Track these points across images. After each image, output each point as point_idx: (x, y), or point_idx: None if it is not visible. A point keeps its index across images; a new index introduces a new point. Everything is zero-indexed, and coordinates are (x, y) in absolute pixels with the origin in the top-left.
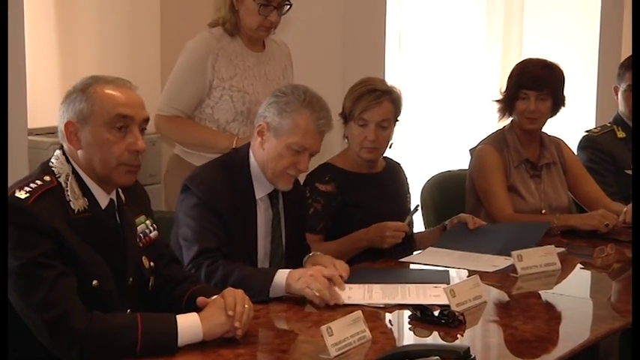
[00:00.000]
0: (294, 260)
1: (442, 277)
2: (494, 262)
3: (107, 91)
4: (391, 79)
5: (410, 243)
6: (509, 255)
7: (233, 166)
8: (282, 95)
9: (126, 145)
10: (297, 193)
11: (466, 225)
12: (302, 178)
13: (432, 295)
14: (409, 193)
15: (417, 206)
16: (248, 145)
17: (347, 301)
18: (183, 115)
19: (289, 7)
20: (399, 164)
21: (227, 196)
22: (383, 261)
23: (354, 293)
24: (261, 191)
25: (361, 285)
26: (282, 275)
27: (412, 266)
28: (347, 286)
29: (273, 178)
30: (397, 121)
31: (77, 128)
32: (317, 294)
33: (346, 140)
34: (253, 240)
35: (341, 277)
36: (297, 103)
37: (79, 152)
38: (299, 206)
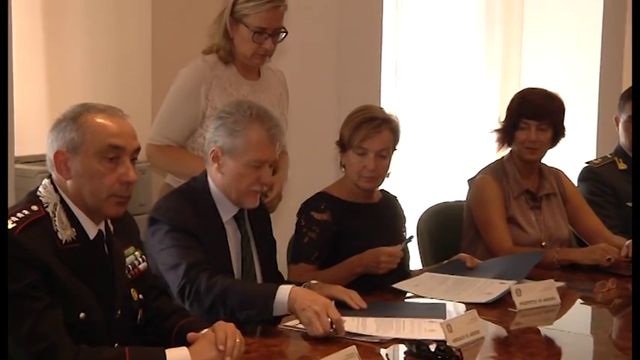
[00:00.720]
0: (271, 281)
1: (438, 312)
2: (489, 290)
3: (99, 120)
4: (387, 106)
5: (405, 269)
6: (504, 280)
7: (194, 193)
8: (227, 116)
9: (117, 176)
10: (261, 211)
11: (464, 263)
12: (295, 206)
13: (427, 330)
14: (405, 226)
15: (412, 237)
16: (205, 173)
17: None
18: (175, 145)
19: (285, 35)
20: (395, 197)
21: (194, 222)
22: (378, 294)
23: (347, 325)
24: (226, 214)
25: (355, 318)
26: (284, 293)
27: (408, 300)
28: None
29: (238, 198)
30: (395, 150)
31: (67, 158)
32: (315, 333)
33: (343, 169)
34: (228, 264)
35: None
36: (245, 120)
37: (68, 182)
38: (265, 224)
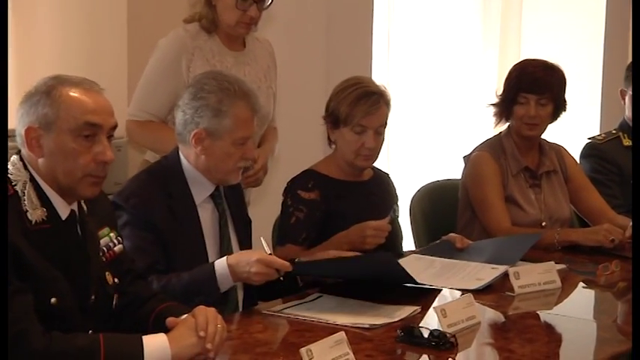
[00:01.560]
0: None
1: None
2: (479, 275)
3: (74, 94)
4: (379, 79)
5: (396, 250)
6: (496, 265)
7: (165, 173)
8: (209, 96)
9: (93, 156)
10: (235, 189)
11: (453, 244)
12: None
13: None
14: (398, 205)
15: (396, 208)
16: (176, 150)
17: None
18: (157, 120)
19: (271, 1)
20: (387, 174)
21: (163, 206)
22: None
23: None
24: (200, 195)
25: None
26: (222, 267)
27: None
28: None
29: (225, 176)
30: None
31: (39, 134)
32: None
33: (331, 146)
34: (201, 246)
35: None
36: (229, 98)
37: (40, 160)
38: (240, 202)
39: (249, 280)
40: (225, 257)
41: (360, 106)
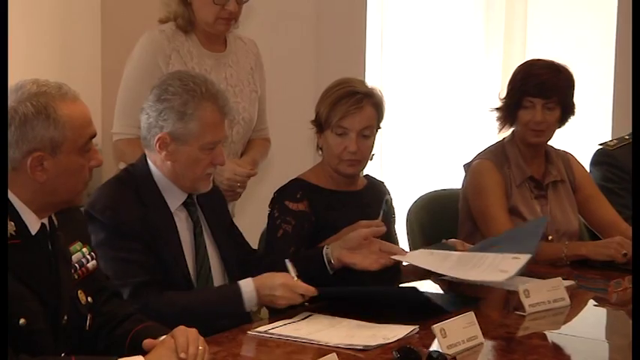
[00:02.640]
0: (237, 272)
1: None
2: (502, 266)
3: (71, 111)
4: (372, 81)
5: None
6: (516, 254)
7: (135, 181)
8: (173, 98)
9: (89, 165)
10: (213, 194)
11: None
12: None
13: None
14: (394, 215)
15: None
16: (143, 157)
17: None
18: None
19: None
20: (382, 183)
21: (137, 215)
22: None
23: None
24: (174, 202)
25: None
26: (249, 289)
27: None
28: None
29: (193, 184)
30: (379, 128)
31: (43, 158)
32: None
33: (320, 152)
34: (181, 257)
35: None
36: (195, 100)
37: (37, 183)
38: (219, 206)
39: (272, 303)
40: (250, 278)
41: (340, 106)
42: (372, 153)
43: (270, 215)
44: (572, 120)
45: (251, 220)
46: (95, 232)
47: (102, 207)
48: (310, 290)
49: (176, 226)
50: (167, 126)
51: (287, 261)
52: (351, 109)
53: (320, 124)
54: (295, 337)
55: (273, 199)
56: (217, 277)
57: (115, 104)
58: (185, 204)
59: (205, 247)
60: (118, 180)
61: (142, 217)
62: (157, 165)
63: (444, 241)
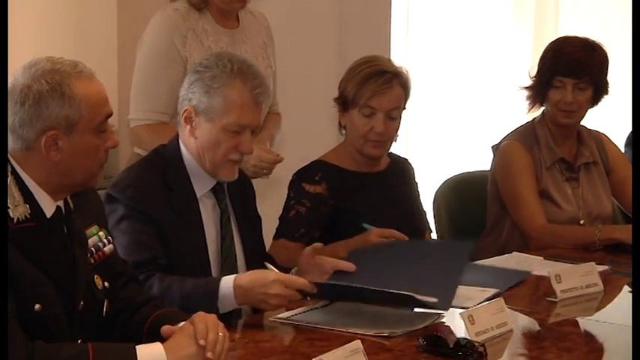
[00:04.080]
0: (256, 263)
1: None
2: (469, 295)
3: (87, 90)
4: (397, 59)
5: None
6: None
7: (163, 163)
8: (204, 70)
9: (105, 146)
10: (244, 185)
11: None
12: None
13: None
14: (419, 194)
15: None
16: (176, 137)
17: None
18: (168, 118)
19: None
20: (406, 160)
21: (161, 198)
22: None
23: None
24: (202, 188)
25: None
26: (226, 287)
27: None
28: None
29: (213, 169)
30: (404, 109)
31: (58, 137)
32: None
33: (343, 132)
34: (202, 244)
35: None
36: (224, 76)
37: (52, 162)
38: (248, 197)
39: (265, 302)
40: (233, 276)
41: (368, 86)
42: (397, 135)
43: (287, 197)
44: (606, 99)
45: (271, 204)
46: (114, 212)
47: (124, 186)
48: (306, 285)
49: (200, 213)
50: (194, 98)
51: (266, 263)
52: (380, 89)
53: (345, 103)
54: (317, 324)
55: (292, 181)
56: (241, 271)
57: (131, 89)
58: (214, 190)
59: (232, 237)
60: (145, 161)
61: (165, 202)
62: (185, 143)
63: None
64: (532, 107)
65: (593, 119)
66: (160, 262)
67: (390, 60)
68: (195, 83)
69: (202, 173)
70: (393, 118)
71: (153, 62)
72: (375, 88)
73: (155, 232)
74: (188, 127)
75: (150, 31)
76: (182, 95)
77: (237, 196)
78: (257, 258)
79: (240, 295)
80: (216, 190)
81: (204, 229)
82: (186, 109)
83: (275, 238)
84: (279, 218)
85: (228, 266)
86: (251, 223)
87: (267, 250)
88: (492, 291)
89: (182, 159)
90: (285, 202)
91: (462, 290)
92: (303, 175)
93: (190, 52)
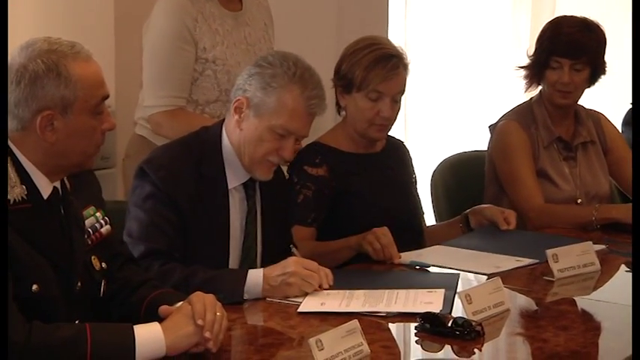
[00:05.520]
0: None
1: (447, 282)
2: (500, 264)
3: (84, 70)
4: (395, 40)
5: (415, 217)
6: (520, 257)
7: (202, 148)
8: (267, 66)
9: (101, 128)
10: (279, 185)
11: (496, 227)
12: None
13: (424, 302)
14: (415, 175)
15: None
16: (221, 123)
17: (320, 309)
18: (184, 101)
19: None
20: (401, 142)
21: (191, 185)
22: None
23: (330, 299)
24: (235, 179)
25: (341, 291)
26: (256, 275)
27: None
28: (324, 292)
29: (250, 165)
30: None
31: (53, 117)
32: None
33: (343, 113)
34: (225, 237)
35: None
36: (285, 78)
37: (47, 143)
38: (281, 201)
39: (286, 284)
40: (262, 270)
41: (377, 70)
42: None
43: (288, 181)
44: (603, 79)
45: None
46: (140, 188)
47: (158, 165)
48: (324, 281)
49: (228, 207)
50: (249, 90)
51: (292, 247)
52: (389, 74)
53: (349, 85)
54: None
55: (291, 164)
56: None
57: (143, 76)
58: (245, 185)
59: (256, 235)
60: (183, 143)
61: (194, 190)
62: (228, 131)
63: (485, 212)
64: (529, 87)
65: (591, 99)
66: (175, 255)
67: (390, 41)
68: (255, 77)
69: (238, 165)
70: (396, 101)
71: (165, 46)
72: (385, 74)
73: (176, 220)
74: (236, 117)
75: (158, 15)
76: (238, 84)
77: (271, 196)
78: (276, 261)
79: (265, 282)
80: (247, 186)
81: (230, 225)
82: (238, 99)
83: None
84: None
85: (247, 264)
86: (278, 225)
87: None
88: (526, 261)
89: (221, 147)
90: (291, 187)
91: (495, 259)
92: (302, 158)
93: (200, 35)
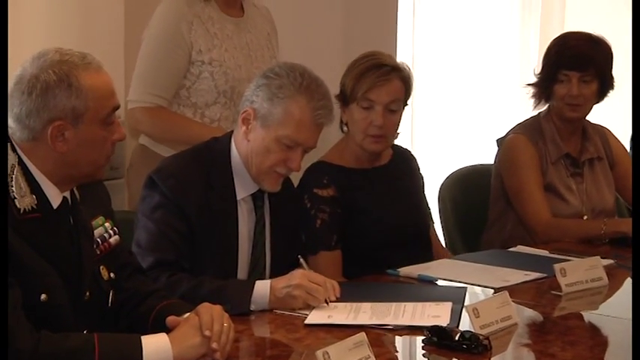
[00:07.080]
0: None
1: (454, 295)
2: (508, 277)
3: (95, 81)
4: (403, 55)
5: (422, 228)
6: (528, 271)
7: (211, 158)
8: (274, 77)
9: (112, 138)
10: (288, 196)
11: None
12: (295, 180)
13: (431, 315)
14: (423, 179)
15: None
16: (230, 134)
17: (326, 321)
18: (165, 102)
19: None
20: (408, 151)
21: (200, 195)
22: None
23: (337, 312)
24: (243, 190)
25: (348, 303)
26: (263, 286)
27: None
28: (331, 304)
29: (257, 175)
30: (406, 105)
31: (64, 128)
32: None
33: (345, 128)
34: (233, 248)
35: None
36: (291, 88)
37: (58, 153)
38: (289, 211)
39: (290, 296)
40: (269, 282)
41: (366, 78)
42: (398, 132)
43: (301, 206)
44: (611, 95)
45: None
46: (150, 197)
47: (167, 174)
48: (331, 294)
49: (237, 218)
50: (256, 102)
51: (300, 258)
52: (378, 81)
53: (345, 98)
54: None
55: (300, 187)
56: None
57: (133, 74)
58: (253, 196)
59: (264, 246)
60: (194, 153)
61: (203, 200)
62: (237, 143)
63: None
64: (537, 104)
65: (598, 115)
66: (183, 265)
67: (390, 55)
68: (262, 88)
69: (247, 176)
70: (392, 111)
71: (157, 47)
72: (373, 81)
73: (185, 230)
74: (244, 128)
75: (156, 18)
76: (246, 95)
77: (279, 207)
78: (285, 272)
79: (272, 294)
80: (256, 197)
81: (239, 236)
82: (246, 110)
83: (312, 253)
84: (307, 233)
85: (256, 275)
86: (287, 236)
87: (309, 264)
88: (534, 275)
89: (230, 158)
90: (304, 213)
91: (504, 272)
92: (310, 180)
93: (196, 37)
